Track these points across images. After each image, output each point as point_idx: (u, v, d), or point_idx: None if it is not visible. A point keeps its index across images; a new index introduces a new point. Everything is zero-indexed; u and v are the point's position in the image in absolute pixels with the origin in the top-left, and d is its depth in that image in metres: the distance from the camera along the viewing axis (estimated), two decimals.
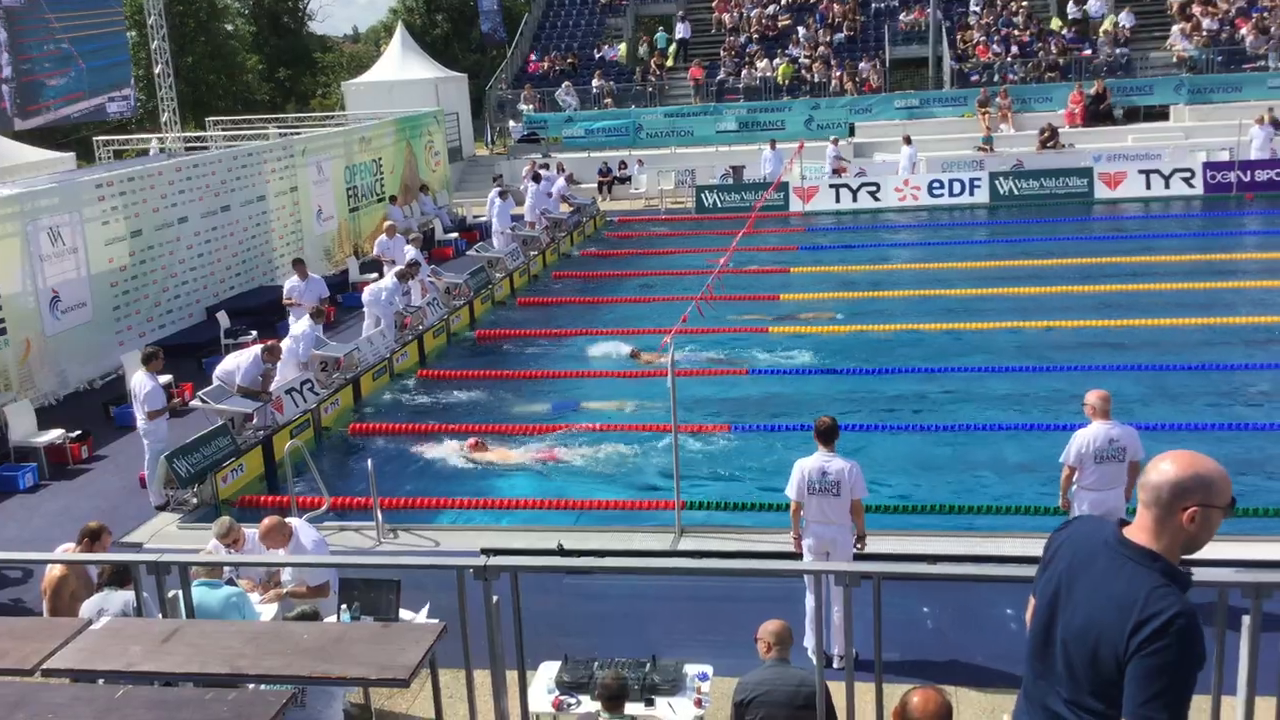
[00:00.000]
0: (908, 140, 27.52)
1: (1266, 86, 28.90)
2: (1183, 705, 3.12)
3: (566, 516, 10.90)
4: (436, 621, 5.97)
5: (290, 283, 16.58)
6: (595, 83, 33.62)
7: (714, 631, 8.06)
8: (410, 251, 18.51)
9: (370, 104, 31.53)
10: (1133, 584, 3.19)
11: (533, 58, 35.84)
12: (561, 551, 9.52)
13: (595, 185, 30.10)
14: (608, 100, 33.36)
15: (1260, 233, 22.97)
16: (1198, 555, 3.35)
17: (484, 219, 25.41)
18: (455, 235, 25.36)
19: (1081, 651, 3.26)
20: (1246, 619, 4.45)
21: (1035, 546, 9.31)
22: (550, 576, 8.33)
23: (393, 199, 25.27)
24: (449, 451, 12.66)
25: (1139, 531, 3.30)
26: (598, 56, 35.58)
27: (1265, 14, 30.97)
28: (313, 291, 16.28)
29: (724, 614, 8.26)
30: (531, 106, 33.35)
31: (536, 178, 25.70)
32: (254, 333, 16.81)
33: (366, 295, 16.68)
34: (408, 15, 49.36)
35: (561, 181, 26.31)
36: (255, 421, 12.69)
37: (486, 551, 8.72)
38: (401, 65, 34.28)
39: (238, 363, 13.01)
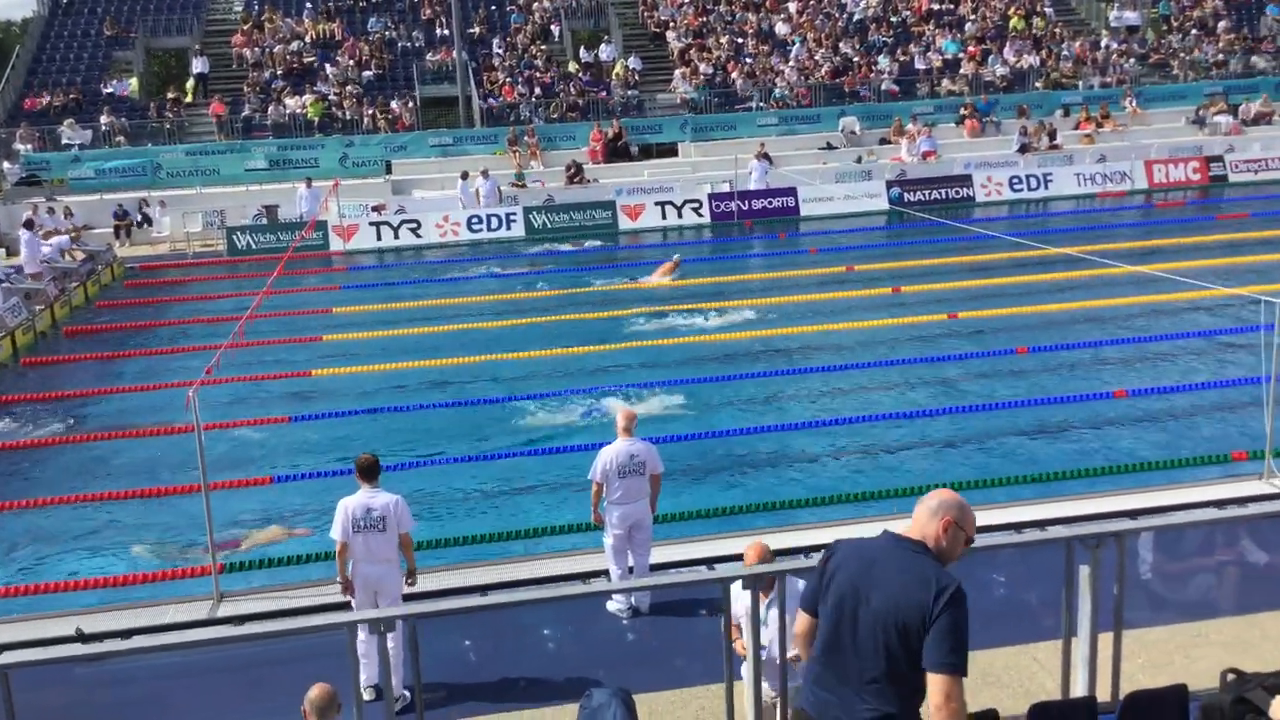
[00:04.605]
0: (485, 174, 28.13)
1: (756, 125, 32.58)
2: (968, 653, 4.08)
3: (89, 597, 9.85)
4: None
5: None
6: (104, 119, 30.96)
7: (257, 699, 7.64)
8: None
9: None
10: (923, 566, 4.17)
11: (41, 93, 32.26)
12: (81, 638, 8.62)
13: (111, 230, 27.67)
14: (120, 138, 30.87)
15: (760, 255, 25.74)
16: None
17: None
18: None
19: (890, 628, 4.11)
20: None
21: (572, 564, 9.73)
22: (58, 668, 7.45)
23: None
24: None
25: (910, 533, 4.29)
26: (105, 91, 32.80)
27: (751, 60, 34.85)
28: None
29: (267, 678, 7.83)
30: (30, 146, 30.11)
31: (29, 224, 23.13)
32: None
33: None
34: None
35: (65, 224, 23.92)
36: None
37: None
38: None
39: None
